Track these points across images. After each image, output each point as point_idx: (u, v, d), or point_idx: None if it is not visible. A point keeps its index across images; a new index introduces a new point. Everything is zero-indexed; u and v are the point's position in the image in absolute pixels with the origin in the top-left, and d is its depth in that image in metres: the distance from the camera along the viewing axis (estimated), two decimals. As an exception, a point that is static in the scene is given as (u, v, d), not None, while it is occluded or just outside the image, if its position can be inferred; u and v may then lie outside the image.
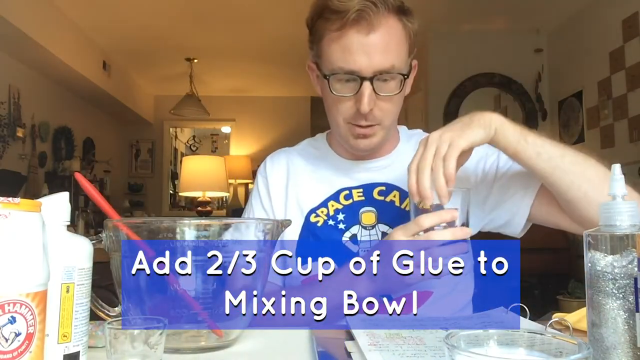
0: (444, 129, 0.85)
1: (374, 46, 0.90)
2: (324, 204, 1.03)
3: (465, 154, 0.84)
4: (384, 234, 0.99)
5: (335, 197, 1.04)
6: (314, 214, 1.03)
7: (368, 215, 1.01)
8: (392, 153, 1.07)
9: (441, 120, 4.32)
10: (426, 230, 0.78)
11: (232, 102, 6.32)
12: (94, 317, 0.63)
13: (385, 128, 0.99)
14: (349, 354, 0.63)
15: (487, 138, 0.84)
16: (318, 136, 1.16)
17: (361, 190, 1.03)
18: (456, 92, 4.42)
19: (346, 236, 1.00)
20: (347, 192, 1.04)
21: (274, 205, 1.07)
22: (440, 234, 0.77)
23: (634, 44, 3.35)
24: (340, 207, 1.02)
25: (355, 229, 1.00)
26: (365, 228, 1.00)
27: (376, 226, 1.00)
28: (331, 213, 1.02)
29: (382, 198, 1.02)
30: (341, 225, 1.01)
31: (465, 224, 0.80)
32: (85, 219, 4.46)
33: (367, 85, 0.90)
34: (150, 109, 6.44)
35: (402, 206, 1.01)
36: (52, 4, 3.86)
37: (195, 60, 5.10)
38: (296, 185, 1.07)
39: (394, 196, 1.02)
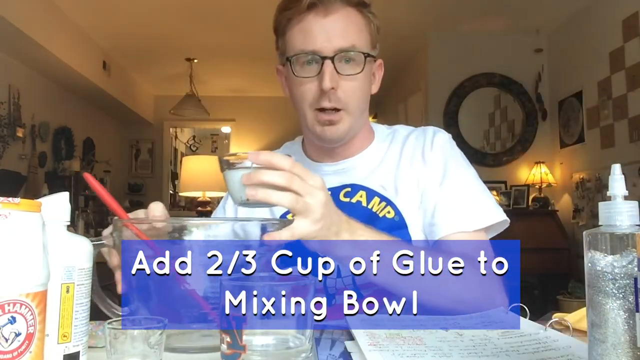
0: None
1: (332, 27, 0.92)
2: None
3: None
4: None
5: None
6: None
7: None
8: (362, 152, 1.04)
9: (441, 120, 4.32)
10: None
11: (231, 102, 6.32)
12: (94, 317, 0.63)
13: (352, 115, 0.96)
14: (349, 354, 0.63)
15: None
16: (296, 139, 1.14)
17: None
18: (456, 92, 4.42)
19: None
20: None
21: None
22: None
23: (634, 44, 3.35)
24: None
25: None
26: None
27: None
28: None
29: (348, 200, 0.99)
30: None
31: None
32: (85, 219, 4.47)
33: (327, 63, 0.91)
34: (150, 109, 6.44)
35: (369, 206, 0.98)
36: (52, 4, 3.86)
37: (195, 60, 5.10)
38: None
39: (360, 196, 0.99)
